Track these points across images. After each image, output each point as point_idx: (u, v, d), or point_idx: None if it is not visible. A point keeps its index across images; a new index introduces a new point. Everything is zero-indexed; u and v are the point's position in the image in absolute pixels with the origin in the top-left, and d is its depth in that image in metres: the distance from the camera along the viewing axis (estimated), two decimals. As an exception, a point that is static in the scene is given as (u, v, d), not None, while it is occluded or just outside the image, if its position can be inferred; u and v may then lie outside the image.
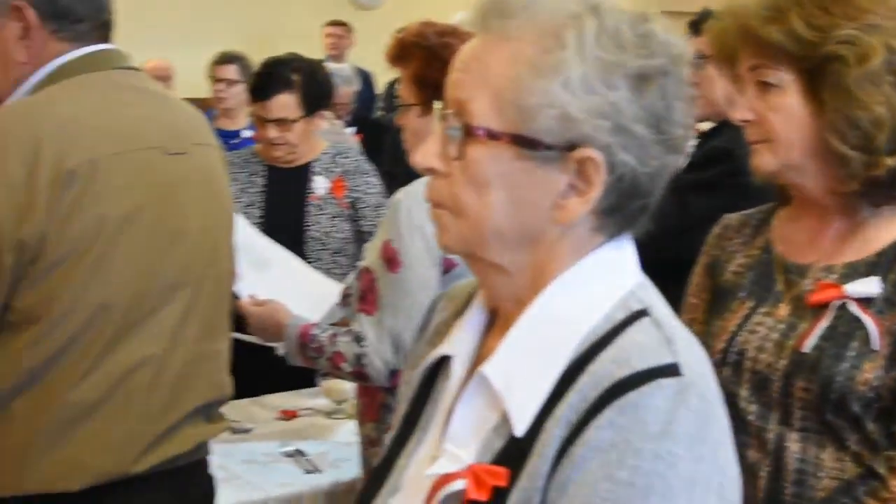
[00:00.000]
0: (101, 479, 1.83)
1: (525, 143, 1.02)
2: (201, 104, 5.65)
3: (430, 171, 1.08)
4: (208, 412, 2.04)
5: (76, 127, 1.80)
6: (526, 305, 1.06)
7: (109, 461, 1.84)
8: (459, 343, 1.14)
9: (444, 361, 1.16)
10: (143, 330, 1.86)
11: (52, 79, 1.89)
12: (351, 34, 8.19)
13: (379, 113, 7.62)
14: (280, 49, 3.67)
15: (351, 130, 6.01)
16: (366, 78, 7.70)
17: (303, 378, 3.19)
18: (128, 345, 1.84)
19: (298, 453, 2.83)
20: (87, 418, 1.81)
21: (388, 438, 1.21)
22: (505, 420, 1.03)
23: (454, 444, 1.07)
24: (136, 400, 1.86)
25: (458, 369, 1.12)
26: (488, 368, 1.05)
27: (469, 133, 1.03)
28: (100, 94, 1.90)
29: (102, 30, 1.96)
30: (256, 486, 2.62)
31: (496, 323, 1.13)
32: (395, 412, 1.24)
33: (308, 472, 2.72)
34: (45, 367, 1.78)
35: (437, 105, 1.08)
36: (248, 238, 2.90)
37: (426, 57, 2.23)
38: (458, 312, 1.19)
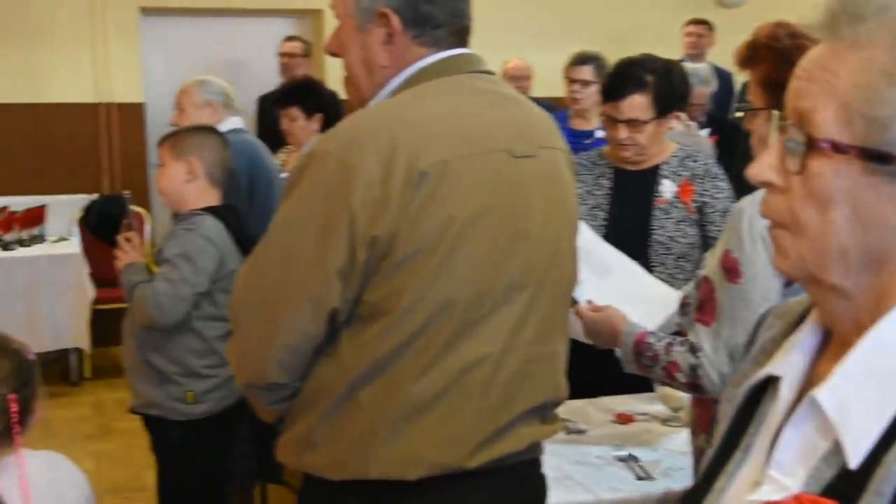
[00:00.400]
0: (437, 471, 1.88)
1: (875, 157, 0.95)
2: (558, 103, 5.74)
3: (766, 185, 1.03)
4: (543, 413, 2.06)
5: (430, 129, 1.86)
6: (866, 329, 0.99)
7: (445, 454, 1.89)
8: (789, 364, 1.08)
9: (769, 382, 1.10)
10: (482, 328, 1.89)
11: (411, 82, 1.97)
12: (712, 33, 7.97)
13: (735, 114, 7.40)
14: (639, 49, 3.58)
15: (706, 132, 5.88)
16: (724, 78, 7.48)
17: (640, 382, 3.17)
18: (467, 342, 1.88)
19: (631, 458, 2.79)
20: (425, 411, 1.87)
21: (707, 456, 1.17)
22: (837, 449, 0.97)
23: (780, 471, 1.02)
24: (472, 397, 1.89)
25: (786, 392, 1.07)
26: (821, 393, 0.99)
27: (812, 146, 0.98)
28: (453, 98, 1.95)
29: (460, 35, 2.02)
30: (587, 488, 2.61)
31: (830, 345, 1.06)
32: (715, 429, 1.21)
33: (640, 478, 2.68)
34: (390, 360, 1.85)
35: (774, 115, 1.04)
36: (590, 243, 2.90)
37: (777, 59, 2.11)
38: (788, 331, 1.13)
